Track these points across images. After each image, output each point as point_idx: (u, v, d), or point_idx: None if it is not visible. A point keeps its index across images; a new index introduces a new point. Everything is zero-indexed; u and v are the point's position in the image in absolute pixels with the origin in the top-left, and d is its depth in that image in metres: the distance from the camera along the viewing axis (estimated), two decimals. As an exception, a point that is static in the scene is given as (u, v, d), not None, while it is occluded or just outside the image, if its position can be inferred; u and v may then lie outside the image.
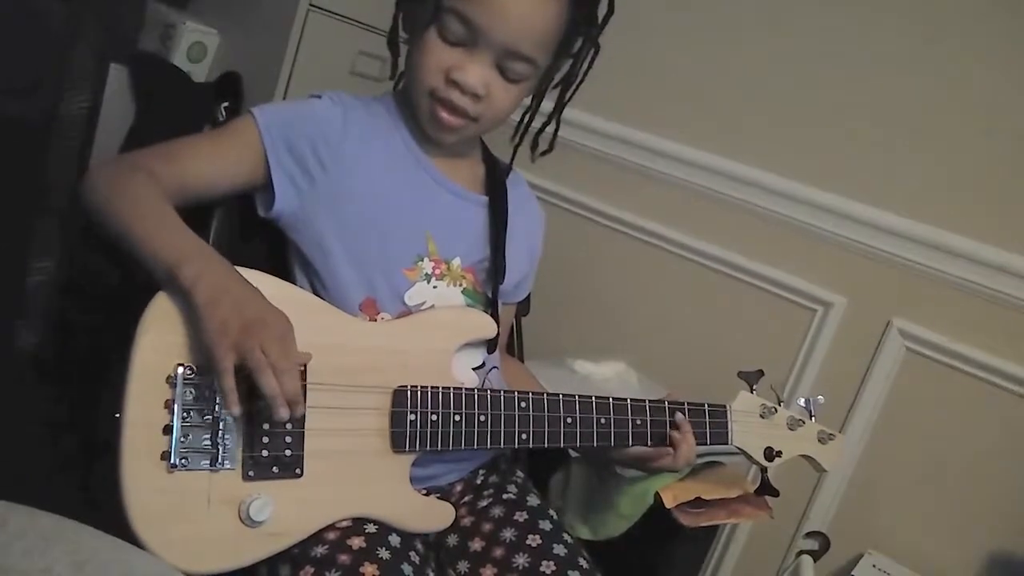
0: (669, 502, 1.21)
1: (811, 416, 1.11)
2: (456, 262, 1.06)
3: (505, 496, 1.06)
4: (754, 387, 1.11)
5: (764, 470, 1.12)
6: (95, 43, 1.70)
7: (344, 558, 0.88)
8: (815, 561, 1.50)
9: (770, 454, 1.10)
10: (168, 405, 0.85)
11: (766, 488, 1.13)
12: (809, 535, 1.57)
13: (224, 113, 1.80)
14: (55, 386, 1.56)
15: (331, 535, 0.91)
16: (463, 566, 1.00)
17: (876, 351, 1.53)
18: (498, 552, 0.99)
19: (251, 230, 1.04)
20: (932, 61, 1.49)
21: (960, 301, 1.45)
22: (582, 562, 0.99)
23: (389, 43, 1.07)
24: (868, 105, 1.55)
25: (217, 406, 0.86)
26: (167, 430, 0.85)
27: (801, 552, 1.53)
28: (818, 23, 1.60)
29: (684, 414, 1.07)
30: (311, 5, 1.78)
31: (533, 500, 1.07)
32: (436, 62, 0.98)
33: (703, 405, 1.09)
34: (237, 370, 0.82)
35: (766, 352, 1.63)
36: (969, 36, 1.46)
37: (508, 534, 1.00)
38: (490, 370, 1.08)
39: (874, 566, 1.49)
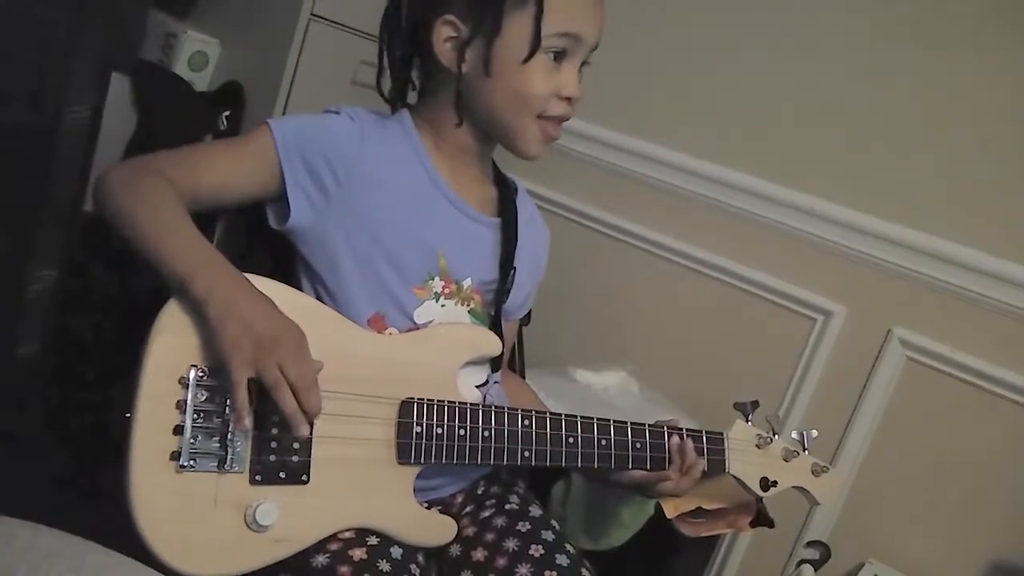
0: (670, 512, 1.21)
1: (805, 449, 1.11)
2: (467, 283, 1.06)
3: (507, 506, 1.06)
4: (749, 417, 1.11)
5: (760, 500, 1.12)
6: (97, 52, 1.70)
7: (345, 569, 0.88)
8: (816, 570, 1.50)
9: (766, 484, 1.10)
10: (180, 406, 0.86)
11: (762, 519, 1.14)
12: (810, 544, 1.57)
13: (225, 122, 1.80)
14: (56, 395, 1.56)
15: (333, 545, 0.91)
16: (466, 576, 1.00)
17: (876, 360, 1.53)
18: (501, 562, 0.99)
19: (256, 240, 1.04)
20: (932, 71, 1.49)
21: (961, 310, 1.46)
22: (584, 572, 0.99)
23: (401, 71, 1.07)
24: (869, 116, 1.55)
25: (228, 409, 0.87)
26: (178, 430, 0.85)
27: (802, 561, 1.53)
28: (823, 35, 1.61)
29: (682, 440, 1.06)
30: (312, 14, 1.79)
31: (535, 510, 1.07)
32: (548, 86, 1.00)
33: (701, 432, 1.08)
34: (250, 384, 0.83)
35: (766, 361, 1.63)
36: (970, 48, 1.46)
37: (511, 544, 1.00)
38: (491, 387, 1.08)
39: (875, 575, 1.49)
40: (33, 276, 1.71)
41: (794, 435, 1.12)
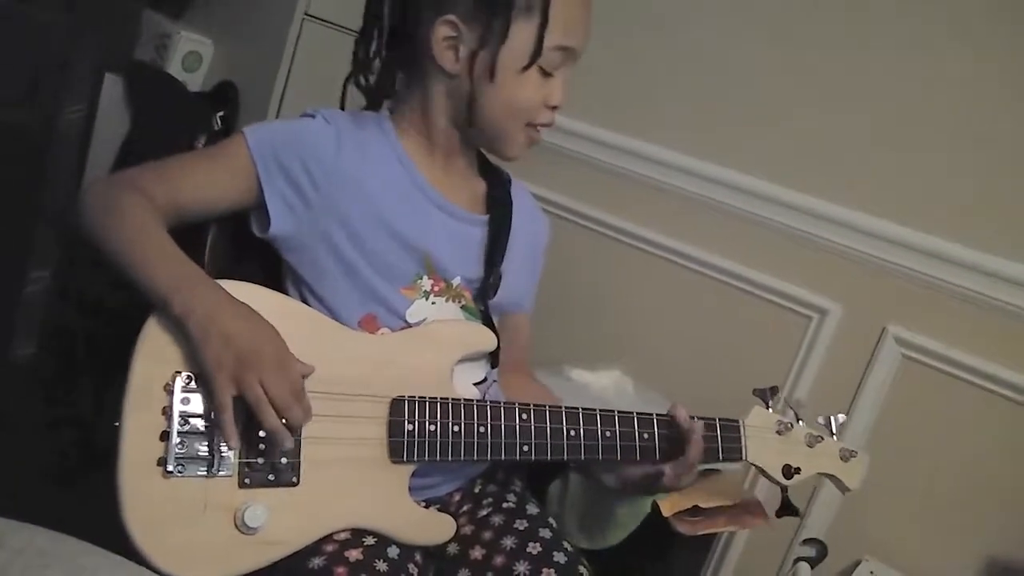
0: (667, 510, 1.20)
1: (832, 434, 1.07)
2: (456, 281, 1.06)
3: (504, 505, 1.06)
4: (769, 403, 1.07)
5: (784, 489, 1.07)
6: (92, 53, 1.70)
7: (341, 570, 0.88)
8: (812, 568, 1.50)
9: (788, 472, 1.05)
10: (166, 412, 0.86)
11: (787, 508, 1.08)
12: (806, 542, 1.57)
13: (219, 122, 1.80)
14: (52, 396, 1.56)
15: (329, 547, 0.91)
16: (464, 575, 1.00)
17: (872, 358, 1.53)
18: (499, 560, 0.98)
19: (246, 247, 1.04)
20: (928, 67, 1.49)
21: (956, 308, 1.46)
22: (582, 570, 0.99)
23: (384, 68, 1.06)
24: (864, 113, 1.55)
25: (214, 415, 0.87)
26: (164, 437, 0.86)
27: (798, 559, 1.52)
28: (817, 33, 1.61)
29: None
30: (306, 14, 1.79)
31: (532, 508, 1.07)
32: (539, 95, 1.01)
33: (714, 420, 1.05)
34: (236, 401, 0.84)
35: (762, 359, 1.63)
36: (966, 45, 1.46)
37: (508, 542, 1.00)
38: (491, 384, 1.08)
39: (871, 573, 1.49)
40: (29, 277, 1.71)
41: (820, 420, 1.08)
